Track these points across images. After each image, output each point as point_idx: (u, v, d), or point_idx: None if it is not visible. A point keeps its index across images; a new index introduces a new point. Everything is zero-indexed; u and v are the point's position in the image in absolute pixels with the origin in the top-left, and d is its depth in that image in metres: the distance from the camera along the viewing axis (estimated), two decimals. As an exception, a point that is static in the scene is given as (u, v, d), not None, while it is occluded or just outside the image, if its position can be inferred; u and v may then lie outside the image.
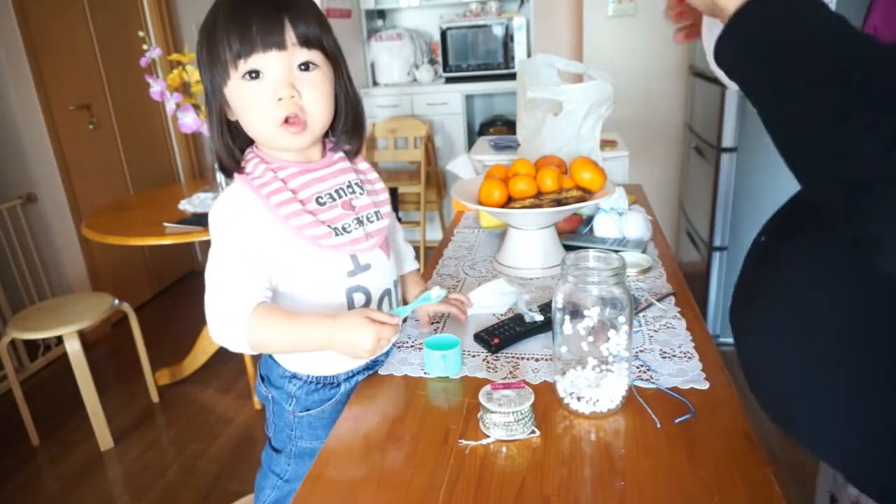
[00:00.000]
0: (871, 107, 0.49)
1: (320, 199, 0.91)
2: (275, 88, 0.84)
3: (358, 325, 0.83)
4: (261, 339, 0.84)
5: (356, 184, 0.97)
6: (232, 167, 0.91)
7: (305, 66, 0.85)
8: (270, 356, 1.01)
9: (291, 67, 0.84)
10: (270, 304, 0.86)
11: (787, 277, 0.66)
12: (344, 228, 0.91)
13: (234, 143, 0.92)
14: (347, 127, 0.95)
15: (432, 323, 1.11)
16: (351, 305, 0.93)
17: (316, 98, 0.87)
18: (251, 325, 0.83)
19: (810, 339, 0.63)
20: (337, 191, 0.94)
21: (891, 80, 0.50)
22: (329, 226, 0.90)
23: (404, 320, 1.08)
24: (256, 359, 1.08)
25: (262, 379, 1.04)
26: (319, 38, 0.86)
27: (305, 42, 0.84)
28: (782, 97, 0.56)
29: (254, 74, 0.84)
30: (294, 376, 0.98)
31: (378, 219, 0.97)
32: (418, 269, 1.14)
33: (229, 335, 0.84)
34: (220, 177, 2.39)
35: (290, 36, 0.83)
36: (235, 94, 0.86)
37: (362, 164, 1.02)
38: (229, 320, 0.83)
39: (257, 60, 0.83)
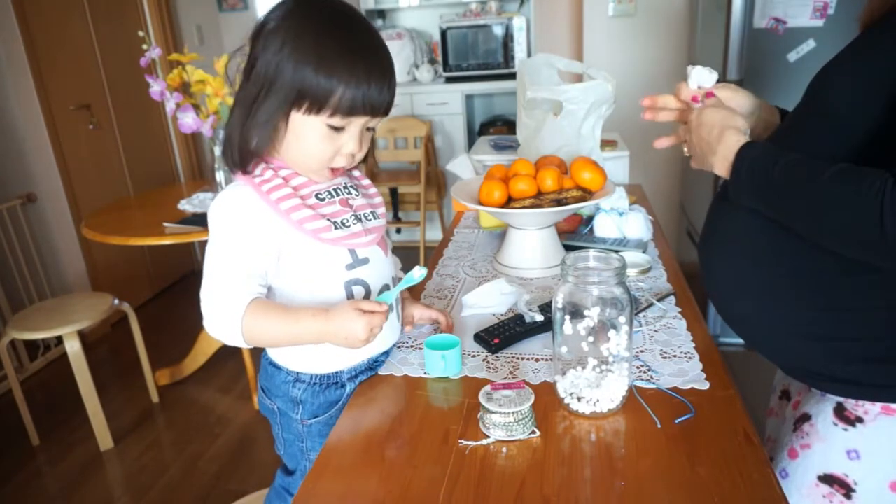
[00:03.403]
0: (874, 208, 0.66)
1: (319, 195, 0.92)
2: (345, 144, 0.87)
3: (349, 317, 0.83)
4: (256, 334, 0.85)
5: (351, 186, 0.98)
6: (240, 164, 0.89)
7: (371, 128, 0.90)
8: (270, 364, 1.01)
9: (364, 127, 0.88)
10: (265, 299, 0.87)
11: (734, 216, 0.88)
12: (343, 223, 0.92)
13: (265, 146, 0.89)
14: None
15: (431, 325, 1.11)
16: (351, 298, 0.93)
17: (363, 151, 0.92)
18: (246, 320, 0.84)
19: (748, 257, 0.86)
20: (335, 189, 0.95)
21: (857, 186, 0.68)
22: (329, 219, 0.90)
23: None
24: (257, 360, 1.07)
25: (264, 391, 1.04)
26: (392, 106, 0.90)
27: (386, 113, 0.89)
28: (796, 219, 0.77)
29: (337, 129, 0.86)
30: (298, 379, 0.97)
31: (375, 218, 0.98)
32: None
33: (224, 329, 0.85)
34: (219, 176, 2.39)
35: (386, 107, 0.87)
36: (303, 127, 0.85)
37: (356, 171, 1.03)
38: (225, 315, 0.84)
39: (351, 120, 0.86)
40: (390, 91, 0.87)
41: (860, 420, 0.82)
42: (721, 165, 0.84)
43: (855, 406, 0.82)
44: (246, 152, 0.87)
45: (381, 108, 0.86)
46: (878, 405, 0.80)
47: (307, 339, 0.88)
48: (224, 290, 0.85)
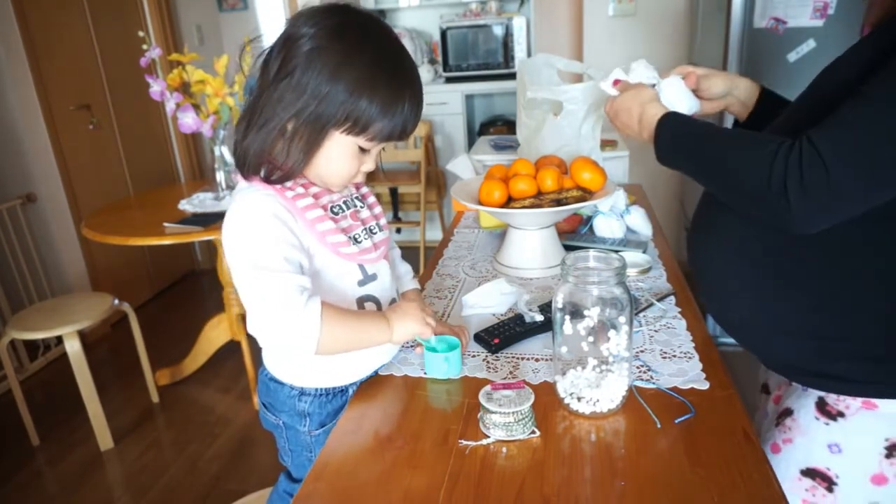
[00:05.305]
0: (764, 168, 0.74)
1: (334, 209, 0.92)
2: (367, 163, 0.90)
3: (410, 311, 0.92)
4: (328, 339, 0.83)
5: (356, 198, 0.98)
6: (264, 176, 0.86)
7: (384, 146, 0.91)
8: (271, 380, 0.99)
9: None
10: (326, 303, 0.84)
11: (724, 215, 0.90)
12: (355, 238, 0.92)
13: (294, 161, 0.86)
14: None
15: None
16: None
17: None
18: (323, 328, 0.82)
19: (737, 255, 0.89)
20: (345, 202, 0.95)
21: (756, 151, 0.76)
22: (346, 234, 0.90)
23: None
24: (257, 360, 1.07)
25: (266, 407, 1.03)
26: None
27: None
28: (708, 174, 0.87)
29: (366, 150, 0.88)
30: (303, 392, 0.97)
31: (380, 230, 0.98)
32: (419, 290, 1.12)
33: (302, 338, 0.81)
34: (219, 176, 2.39)
35: (411, 134, 0.90)
36: (335, 146, 0.85)
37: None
38: (301, 323, 0.81)
39: (380, 145, 0.88)
40: (420, 119, 0.90)
41: (841, 414, 0.84)
42: (649, 136, 0.96)
43: (836, 401, 0.84)
44: (284, 170, 0.84)
45: (409, 134, 0.89)
46: (860, 400, 0.82)
47: (377, 341, 0.91)
48: (291, 300, 0.80)
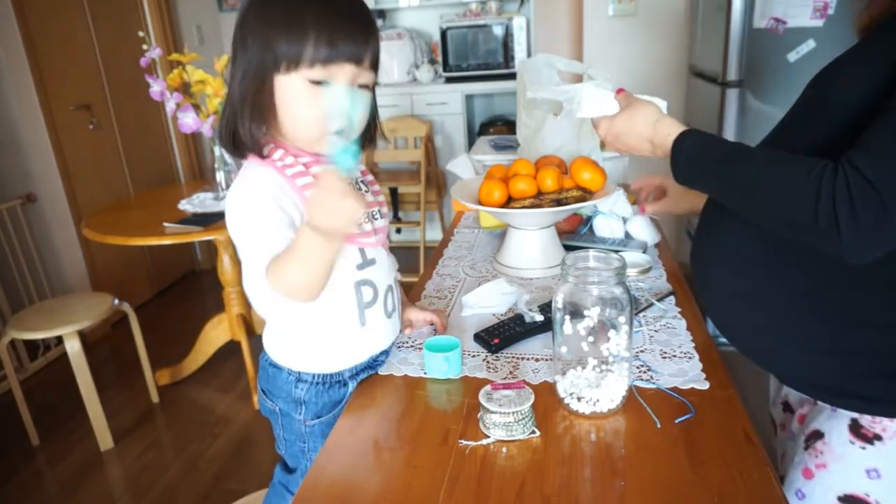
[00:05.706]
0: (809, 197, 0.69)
1: None
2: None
3: (332, 204, 0.76)
4: (288, 282, 0.80)
5: (360, 181, 0.98)
6: (249, 148, 0.87)
7: (362, 86, 0.87)
8: (271, 365, 1.00)
9: (354, 84, 0.85)
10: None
11: (726, 214, 0.89)
12: None
13: (258, 123, 0.86)
14: (369, 135, 0.97)
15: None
16: (360, 300, 0.94)
17: (364, 117, 0.90)
18: (269, 278, 0.81)
19: (750, 270, 0.87)
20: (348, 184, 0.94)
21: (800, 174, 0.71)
22: None
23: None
24: (256, 360, 1.07)
25: (265, 393, 1.03)
26: (379, 61, 0.88)
27: (373, 64, 0.86)
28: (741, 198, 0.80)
29: (321, 83, 0.82)
30: (299, 379, 0.97)
31: (381, 217, 0.99)
32: (398, 280, 1.11)
33: (263, 300, 0.87)
34: (219, 176, 2.39)
35: (368, 55, 0.84)
36: (289, 90, 0.82)
37: (360, 166, 1.03)
38: (259, 286, 0.85)
39: (333, 70, 0.81)
40: (366, 36, 0.83)
41: (878, 437, 0.80)
42: (664, 155, 0.91)
43: (872, 423, 0.81)
44: (260, 137, 0.86)
45: (359, 55, 0.83)
46: None
47: (322, 252, 0.79)
48: (258, 276, 0.83)
